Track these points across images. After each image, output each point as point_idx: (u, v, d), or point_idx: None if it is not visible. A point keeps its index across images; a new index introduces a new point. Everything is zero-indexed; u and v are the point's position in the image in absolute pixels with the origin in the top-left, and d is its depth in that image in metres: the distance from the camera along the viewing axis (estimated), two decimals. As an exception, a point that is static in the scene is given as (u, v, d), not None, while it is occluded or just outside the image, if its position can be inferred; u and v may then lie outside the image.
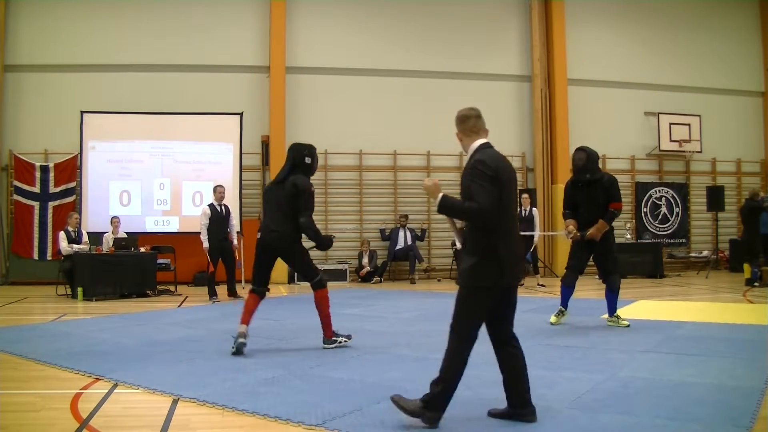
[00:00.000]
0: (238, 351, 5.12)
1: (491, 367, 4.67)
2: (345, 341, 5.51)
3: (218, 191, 9.74)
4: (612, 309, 6.50)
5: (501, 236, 3.26)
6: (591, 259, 6.59)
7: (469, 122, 3.45)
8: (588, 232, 6.26)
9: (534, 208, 11.48)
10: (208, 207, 9.66)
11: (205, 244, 9.50)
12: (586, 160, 6.30)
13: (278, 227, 5.29)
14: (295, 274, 12.62)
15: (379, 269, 12.90)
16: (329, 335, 5.47)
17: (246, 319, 5.26)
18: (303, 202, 5.25)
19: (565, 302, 6.71)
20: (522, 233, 11.07)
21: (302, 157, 5.39)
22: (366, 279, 12.80)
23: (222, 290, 9.98)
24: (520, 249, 3.47)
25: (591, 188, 6.28)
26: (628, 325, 6.39)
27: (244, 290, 11.07)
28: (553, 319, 6.70)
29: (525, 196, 11.60)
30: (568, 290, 6.66)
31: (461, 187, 3.38)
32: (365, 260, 12.84)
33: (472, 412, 3.53)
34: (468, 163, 3.36)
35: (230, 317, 7.60)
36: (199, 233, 9.62)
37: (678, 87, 15.03)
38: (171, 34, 13.00)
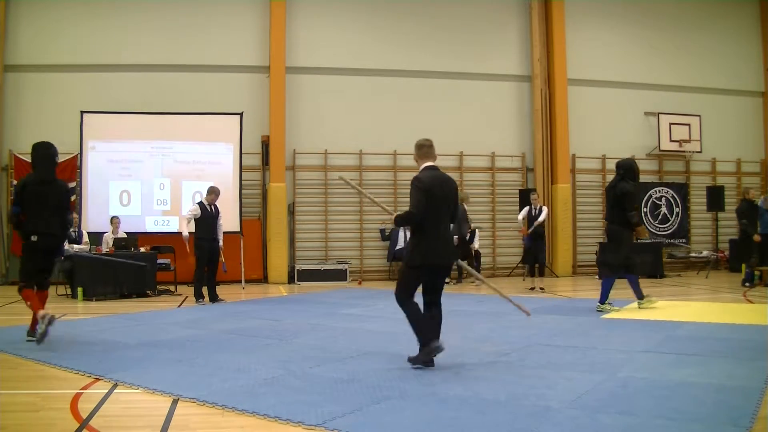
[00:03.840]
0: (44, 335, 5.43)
1: (490, 366, 4.70)
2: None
3: (213, 192, 9.46)
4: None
5: (426, 232, 4.57)
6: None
7: (423, 150, 4.74)
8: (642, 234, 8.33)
9: (544, 207, 11.43)
10: (198, 205, 9.37)
11: (185, 233, 9.37)
12: None
13: (56, 231, 5.87)
14: (294, 272, 12.64)
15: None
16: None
17: (42, 306, 5.68)
18: (69, 202, 6.08)
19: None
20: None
21: (55, 156, 6.13)
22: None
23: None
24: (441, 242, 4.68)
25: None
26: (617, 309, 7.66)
27: (244, 291, 11.10)
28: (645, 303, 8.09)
29: (535, 195, 11.56)
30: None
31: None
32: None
33: (468, 410, 3.54)
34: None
35: (231, 317, 7.61)
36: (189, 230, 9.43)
37: (678, 87, 15.02)
38: (171, 34, 12.98)
